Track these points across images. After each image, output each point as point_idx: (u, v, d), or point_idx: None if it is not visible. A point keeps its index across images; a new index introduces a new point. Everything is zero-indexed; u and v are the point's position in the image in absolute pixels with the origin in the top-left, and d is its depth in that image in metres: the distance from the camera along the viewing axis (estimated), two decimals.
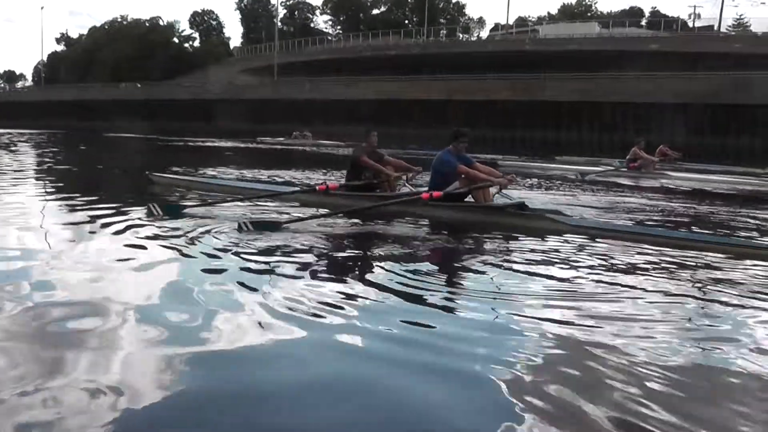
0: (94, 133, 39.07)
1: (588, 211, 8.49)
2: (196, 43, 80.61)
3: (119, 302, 3.65)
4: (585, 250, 5.75)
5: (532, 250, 5.67)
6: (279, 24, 68.12)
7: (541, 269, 4.92)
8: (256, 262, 4.87)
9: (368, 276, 4.67)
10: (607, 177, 15.17)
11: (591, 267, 5.08)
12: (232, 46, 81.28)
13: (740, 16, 59.23)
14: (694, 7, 76.28)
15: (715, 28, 52.72)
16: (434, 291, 4.18)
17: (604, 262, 5.26)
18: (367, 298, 3.99)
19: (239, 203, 7.74)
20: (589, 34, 50.85)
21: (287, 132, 31.44)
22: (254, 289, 4.05)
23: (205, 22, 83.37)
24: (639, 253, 5.65)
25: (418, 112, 41.97)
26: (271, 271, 4.59)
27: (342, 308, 3.73)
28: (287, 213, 7.20)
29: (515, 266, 5.00)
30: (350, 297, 3.98)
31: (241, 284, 4.16)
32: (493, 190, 7.40)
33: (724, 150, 30.02)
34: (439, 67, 47.51)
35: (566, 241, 6.08)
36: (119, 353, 2.93)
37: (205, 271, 4.53)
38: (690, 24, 57.98)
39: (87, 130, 45.07)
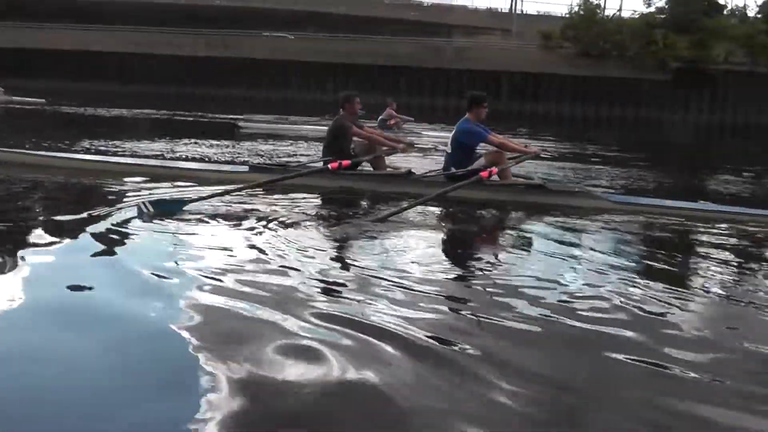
0: None
1: None
2: None
3: None
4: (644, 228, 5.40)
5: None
6: None
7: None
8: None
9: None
10: None
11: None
12: None
13: None
14: None
15: None
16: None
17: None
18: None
19: (239, 194, 5.49)
20: None
21: None
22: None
23: None
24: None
25: (98, 65, 37.19)
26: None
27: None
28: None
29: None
30: None
31: None
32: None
33: (427, 109, 31.59)
34: (117, 17, 42.28)
35: (612, 220, 5.57)
36: None
37: None
38: None
39: None
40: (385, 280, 3.43)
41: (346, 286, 3.36)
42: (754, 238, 5.17)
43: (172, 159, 8.86)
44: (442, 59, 36.39)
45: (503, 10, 48.92)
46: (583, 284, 3.61)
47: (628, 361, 2.59)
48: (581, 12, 37.87)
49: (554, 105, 34.89)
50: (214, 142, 11.95)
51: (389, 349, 2.56)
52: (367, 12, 44.93)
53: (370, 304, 3.08)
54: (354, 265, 3.75)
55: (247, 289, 3.17)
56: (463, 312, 3.09)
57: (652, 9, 37.56)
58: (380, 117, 15.75)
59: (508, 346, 2.68)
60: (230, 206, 5.22)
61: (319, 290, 3.25)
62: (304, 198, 5.80)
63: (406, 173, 6.65)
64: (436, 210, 5.60)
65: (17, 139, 9.95)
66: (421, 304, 3.11)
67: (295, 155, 10.14)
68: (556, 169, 9.53)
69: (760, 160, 14.95)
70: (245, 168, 6.89)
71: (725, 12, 36.89)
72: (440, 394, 2.27)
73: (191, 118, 19.92)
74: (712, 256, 4.46)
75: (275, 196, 5.69)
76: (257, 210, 5.16)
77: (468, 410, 2.17)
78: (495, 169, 5.79)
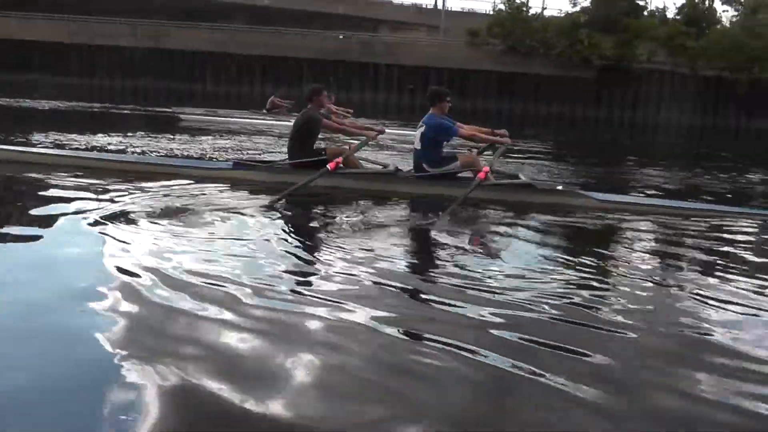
0: None
1: None
2: None
3: None
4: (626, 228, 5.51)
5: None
6: None
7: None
8: None
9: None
10: None
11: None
12: None
13: None
14: None
15: None
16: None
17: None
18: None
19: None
20: None
21: None
22: None
23: None
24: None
25: (33, 55, 34.96)
26: None
27: None
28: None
29: None
30: None
31: None
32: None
33: (358, 104, 31.26)
34: (54, 5, 39.89)
35: (598, 218, 5.75)
36: None
37: None
38: None
39: None
40: (364, 279, 3.46)
41: (320, 286, 3.39)
42: (739, 235, 5.40)
43: (146, 154, 8.63)
44: (372, 54, 36.17)
45: (429, 7, 49.41)
46: (572, 280, 3.69)
47: (602, 357, 2.61)
48: (507, 10, 38.23)
49: (481, 101, 35.10)
50: (169, 135, 11.43)
51: (353, 347, 2.60)
52: (292, 5, 44.32)
53: (349, 302, 3.07)
54: (329, 264, 3.78)
55: (203, 288, 3.18)
56: (452, 310, 3.11)
57: (578, 9, 38.29)
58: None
59: (488, 341, 2.69)
60: (210, 205, 5.19)
61: (288, 290, 3.28)
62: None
63: (393, 171, 6.51)
64: (430, 208, 5.57)
65: None
66: (400, 302, 3.20)
67: (249, 150, 10.01)
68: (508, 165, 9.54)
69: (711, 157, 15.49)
70: (229, 165, 6.79)
71: (646, 13, 37.92)
72: (405, 396, 2.27)
73: (127, 111, 19.10)
74: (696, 252, 4.66)
75: (263, 195, 5.59)
76: (244, 210, 5.17)
77: (435, 406, 2.20)
78: (487, 168, 5.82)
